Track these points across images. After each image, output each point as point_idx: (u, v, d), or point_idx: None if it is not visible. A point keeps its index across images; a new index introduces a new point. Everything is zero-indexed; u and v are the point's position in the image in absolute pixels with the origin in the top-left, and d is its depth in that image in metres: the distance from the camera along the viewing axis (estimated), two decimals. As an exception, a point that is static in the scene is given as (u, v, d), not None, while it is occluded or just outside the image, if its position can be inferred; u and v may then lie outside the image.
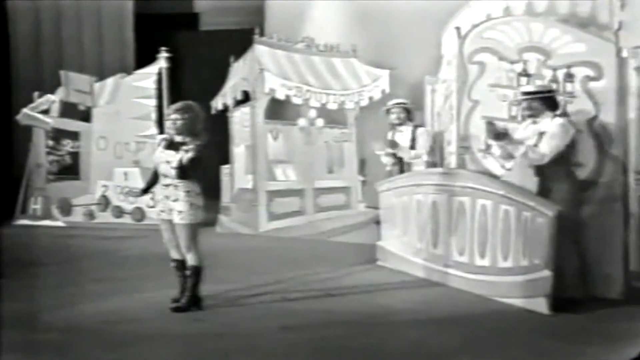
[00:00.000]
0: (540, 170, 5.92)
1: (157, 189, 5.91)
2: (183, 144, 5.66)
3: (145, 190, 6.16)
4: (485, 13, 7.38)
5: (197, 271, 5.81)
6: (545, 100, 5.95)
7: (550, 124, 5.86)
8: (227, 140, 11.04)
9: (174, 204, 5.70)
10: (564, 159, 5.87)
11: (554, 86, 6.22)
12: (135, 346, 4.97)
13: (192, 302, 5.82)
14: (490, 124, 6.09)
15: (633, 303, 5.84)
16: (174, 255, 5.92)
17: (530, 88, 6.12)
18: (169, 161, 5.68)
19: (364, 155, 11.23)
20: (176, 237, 5.80)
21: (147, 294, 6.42)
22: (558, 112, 5.97)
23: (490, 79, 6.73)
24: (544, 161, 5.82)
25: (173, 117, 5.71)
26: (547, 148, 5.79)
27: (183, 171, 5.63)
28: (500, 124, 6.16)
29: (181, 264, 5.91)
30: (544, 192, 5.87)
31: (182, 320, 5.59)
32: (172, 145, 5.72)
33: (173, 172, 5.66)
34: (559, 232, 5.53)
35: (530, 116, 6.03)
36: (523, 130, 6.10)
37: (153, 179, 5.99)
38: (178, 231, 5.76)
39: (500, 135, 6.03)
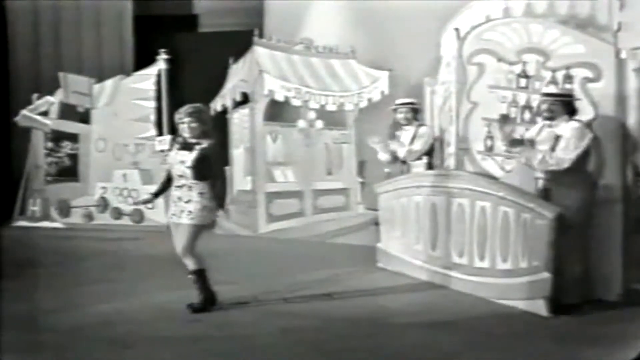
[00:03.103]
0: (555, 175, 5.89)
1: (171, 191, 5.94)
2: (197, 144, 5.76)
3: (157, 194, 6.16)
4: (485, 14, 7.39)
5: (201, 273, 5.85)
6: (566, 105, 5.92)
7: (566, 128, 5.84)
8: (226, 142, 11.03)
9: (186, 205, 5.74)
10: (579, 163, 5.83)
11: (567, 90, 6.17)
12: (135, 347, 4.97)
13: (208, 301, 5.87)
14: (506, 125, 6.07)
15: (632, 305, 5.84)
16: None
17: (553, 90, 6.07)
18: (183, 161, 5.76)
19: (363, 156, 11.23)
20: (179, 237, 5.82)
21: (147, 295, 6.42)
22: (575, 117, 5.94)
23: (489, 80, 6.74)
24: (563, 166, 5.77)
25: (186, 120, 5.77)
26: (565, 153, 5.77)
27: (197, 171, 5.70)
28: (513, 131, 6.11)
29: None
30: (558, 197, 5.82)
31: (181, 322, 5.58)
32: (186, 146, 5.80)
33: (188, 172, 5.73)
34: (561, 234, 5.52)
35: (548, 119, 5.98)
36: (535, 133, 6.09)
37: (166, 184, 6.05)
38: (182, 230, 5.78)
39: (516, 142, 5.97)
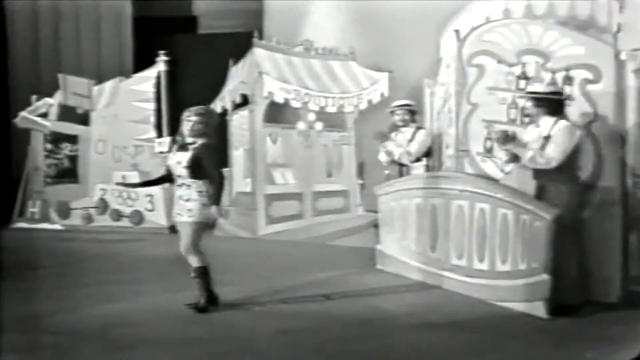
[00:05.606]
0: (542, 173, 5.90)
1: (175, 191, 5.99)
2: (193, 143, 5.81)
3: (146, 184, 6.55)
4: (485, 15, 7.38)
5: (204, 271, 5.87)
6: (546, 103, 5.92)
7: (554, 127, 5.83)
8: (226, 144, 11.03)
9: (186, 203, 5.80)
10: (567, 162, 5.82)
11: (552, 88, 6.18)
12: (134, 349, 4.96)
13: (209, 301, 5.89)
14: (499, 130, 6.07)
15: (631, 307, 5.83)
16: None
17: (534, 88, 6.06)
18: (179, 161, 5.83)
19: (362, 158, 11.23)
20: (182, 235, 5.87)
21: (147, 296, 6.42)
22: (561, 116, 5.94)
23: (489, 81, 6.73)
24: (552, 165, 5.76)
25: (193, 120, 5.80)
26: (554, 152, 5.76)
27: (192, 169, 5.74)
28: (505, 128, 6.12)
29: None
30: (545, 195, 5.85)
31: (181, 323, 5.57)
32: (183, 147, 5.87)
33: (185, 172, 5.78)
34: (559, 235, 5.51)
35: (528, 116, 6.02)
36: (528, 133, 6.09)
37: (160, 179, 6.27)
38: (185, 229, 5.83)
39: (510, 138, 5.96)
